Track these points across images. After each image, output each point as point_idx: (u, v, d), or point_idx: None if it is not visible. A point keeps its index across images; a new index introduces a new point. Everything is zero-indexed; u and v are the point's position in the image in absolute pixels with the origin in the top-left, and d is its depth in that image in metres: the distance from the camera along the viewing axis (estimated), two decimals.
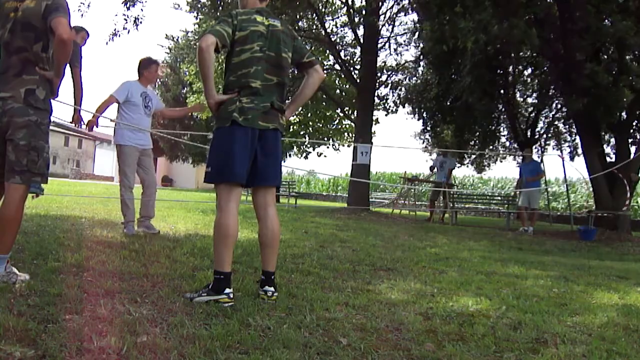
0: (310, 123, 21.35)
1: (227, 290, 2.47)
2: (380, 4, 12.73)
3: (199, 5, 13.44)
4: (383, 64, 16.60)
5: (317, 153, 23.04)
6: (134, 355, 1.71)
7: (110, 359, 1.68)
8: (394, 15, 14.49)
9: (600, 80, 7.84)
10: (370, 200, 14.67)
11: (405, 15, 14.48)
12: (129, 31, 11.39)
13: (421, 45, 15.13)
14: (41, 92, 2.58)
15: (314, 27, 15.19)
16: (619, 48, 8.61)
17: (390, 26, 14.90)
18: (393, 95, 17.31)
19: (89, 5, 11.22)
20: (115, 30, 11.43)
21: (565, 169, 11.34)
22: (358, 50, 15.61)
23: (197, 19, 14.21)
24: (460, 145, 14.97)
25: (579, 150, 12.36)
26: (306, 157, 23.44)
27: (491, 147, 16.22)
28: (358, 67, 15.26)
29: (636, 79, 8.07)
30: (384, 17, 14.42)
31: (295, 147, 23.28)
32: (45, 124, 2.63)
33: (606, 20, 8.34)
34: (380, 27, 13.93)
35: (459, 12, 7.79)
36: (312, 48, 14.90)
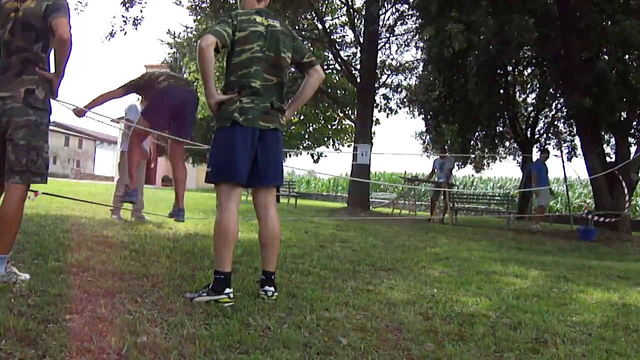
0: (310, 123, 21.35)
1: (227, 290, 2.47)
2: (380, 9, 12.75)
3: (199, 9, 13.45)
4: (383, 64, 16.61)
5: (317, 153, 23.04)
6: (134, 355, 1.71)
7: (110, 359, 1.69)
8: (394, 21, 14.48)
9: (609, 77, 7.85)
10: (370, 200, 14.69)
11: (407, 20, 14.49)
12: (125, 33, 11.41)
13: (422, 45, 15.13)
14: (41, 92, 2.58)
15: (314, 27, 15.18)
16: (624, 47, 8.61)
17: (391, 29, 14.89)
18: (394, 97, 17.33)
19: (86, 4, 11.24)
20: (112, 30, 11.43)
21: (565, 168, 11.40)
22: (358, 50, 15.61)
23: (197, 16, 14.20)
24: (463, 146, 15.00)
25: (579, 151, 12.38)
26: (316, 161, 23.20)
27: (496, 148, 16.26)
28: (358, 67, 15.26)
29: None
30: (385, 18, 14.40)
31: (305, 151, 23.18)
32: (45, 124, 2.62)
33: (609, 20, 8.34)
34: (380, 28, 13.93)
35: (454, 16, 7.78)
36: (312, 48, 14.90)
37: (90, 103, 4.70)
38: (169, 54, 29.59)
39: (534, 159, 10.73)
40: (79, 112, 4.62)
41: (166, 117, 4.72)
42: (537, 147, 15.67)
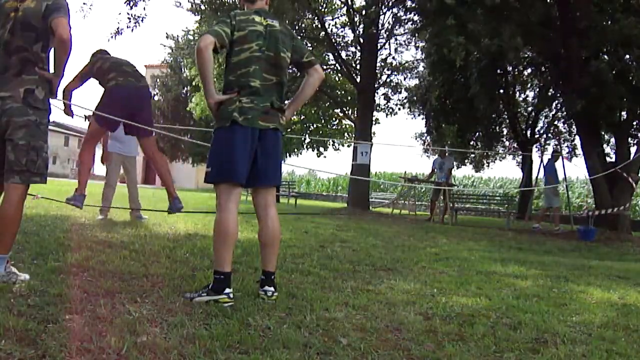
0: (310, 123, 21.32)
1: (227, 290, 2.47)
2: (380, 11, 12.75)
3: (200, 9, 13.47)
4: (386, 62, 16.63)
5: (317, 154, 22.99)
6: (134, 355, 1.71)
7: (110, 359, 1.68)
8: (393, 24, 14.48)
9: (606, 77, 7.83)
10: (370, 200, 14.69)
11: (404, 25, 14.51)
12: (132, 29, 11.43)
13: (421, 45, 15.14)
14: (40, 92, 2.58)
15: (314, 27, 15.18)
16: (624, 46, 8.61)
17: (390, 29, 14.89)
18: (394, 97, 17.34)
19: (90, 6, 11.24)
20: (118, 28, 11.47)
21: (565, 168, 11.51)
22: (358, 50, 15.61)
23: (196, 15, 14.22)
24: (463, 146, 15.00)
25: (579, 151, 12.39)
26: (319, 155, 22.93)
27: (494, 147, 16.28)
28: (358, 67, 15.25)
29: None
30: (384, 20, 14.41)
31: (307, 148, 23.10)
32: (44, 124, 2.62)
33: (609, 20, 8.33)
34: (380, 28, 13.93)
35: (451, 24, 7.77)
36: (312, 48, 14.90)
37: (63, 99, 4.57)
38: (169, 53, 29.60)
39: (546, 160, 10.70)
40: (67, 111, 4.56)
41: (119, 117, 4.49)
42: (537, 147, 15.68)
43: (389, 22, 14.51)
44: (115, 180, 6.12)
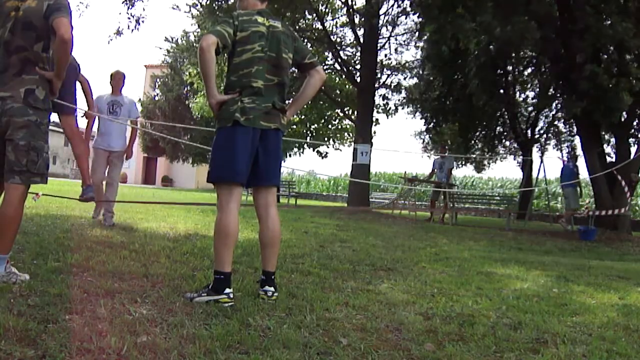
0: (311, 123, 21.34)
1: (227, 290, 2.47)
2: (380, 6, 12.73)
3: (197, 9, 13.49)
4: (383, 64, 16.63)
5: (318, 153, 23.00)
6: (134, 355, 1.71)
7: (110, 359, 1.68)
8: (395, 18, 14.47)
9: (600, 81, 7.82)
10: (370, 200, 14.70)
11: (406, 18, 14.49)
12: (132, 30, 11.46)
13: (422, 44, 15.14)
14: (41, 92, 2.57)
15: (314, 27, 15.19)
16: (619, 49, 8.62)
17: (391, 27, 14.89)
18: (393, 97, 17.35)
19: (87, 6, 11.30)
20: (119, 29, 11.50)
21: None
22: (358, 50, 15.62)
23: (193, 18, 14.23)
24: (464, 146, 14.98)
25: (579, 151, 12.39)
26: (325, 157, 22.87)
27: (496, 148, 16.26)
28: (358, 67, 15.26)
29: (636, 80, 8.05)
30: (384, 17, 14.41)
31: (310, 148, 23.09)
32: (45, 124, 2.62)
33: (606, 21, 8.33)
34: (381, 27, 13.92)
35: (461, 13, 7.79)
36: (312, 48, 14.90)
37: None
38: (167, 54, 29.58)
39: (566, 160, 10.67)
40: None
41: None
42: (537, 147, 15.68)
43: (388, 22, 14.51)
44: (101, 178, 5.76)
